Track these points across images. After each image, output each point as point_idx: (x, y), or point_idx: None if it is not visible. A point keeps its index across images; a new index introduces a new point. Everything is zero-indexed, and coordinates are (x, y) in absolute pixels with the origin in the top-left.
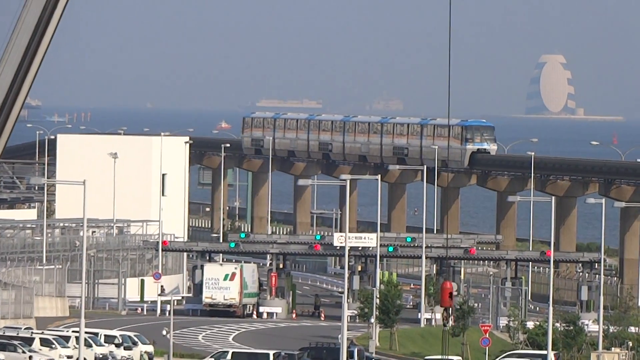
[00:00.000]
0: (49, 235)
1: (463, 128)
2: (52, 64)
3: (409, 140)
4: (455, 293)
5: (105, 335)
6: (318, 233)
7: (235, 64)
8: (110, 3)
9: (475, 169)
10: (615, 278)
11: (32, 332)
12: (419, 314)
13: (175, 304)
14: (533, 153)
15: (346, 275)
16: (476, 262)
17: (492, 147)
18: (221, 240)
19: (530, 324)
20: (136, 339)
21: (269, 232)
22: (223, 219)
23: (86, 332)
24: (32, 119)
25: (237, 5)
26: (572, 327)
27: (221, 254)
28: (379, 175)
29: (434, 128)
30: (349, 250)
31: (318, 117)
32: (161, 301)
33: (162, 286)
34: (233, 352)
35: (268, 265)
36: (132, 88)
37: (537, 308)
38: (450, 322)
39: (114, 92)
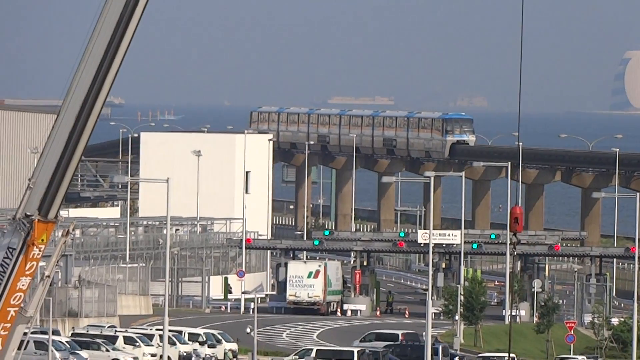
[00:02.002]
0: (133, 233)
1: (444, 121)
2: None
3: (397, 132)
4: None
5: (189, 333)
6: (402, 230)
7: (308, 61)
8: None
9: (560, 165)
10: None
11: (115, 331)
12: (504, 310)
13: (259, 301)
14: (617, 149)
15: (430, 272)
16: (561, 258)
17: (470, 139)
18: (305, 238)
19: (615, 321)
20: (220, 337)
21: (353, 230)
22: (307, 217)
23: (170, 330)
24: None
25: (307, 2)
26: None
27: (305, 252)
28: (463, 173)
29: (418, 121)
30: (433, 247)
31: (317, 112)
32: (245, 299)
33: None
34: (317, 350)
35: (352, 262)
36: (209, 86)
37: (622, 304)
38: (514, 251)
39: (192, 90)
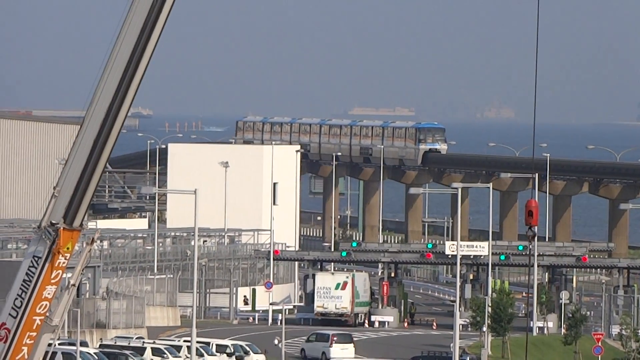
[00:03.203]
0: (160, 244)
1: (417, 130)
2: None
3: (373, 141)
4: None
5: (217, 345)
6: (430, 241)
7: (329, 72)
8: (211, 19)
9: (587, 176)
10: None
11: (143, 342)
12: (531, 322)
13: (287, 313)
14: None
15: (458, 283)
16: (588, 270)
17: (442, 147)
18: (333, 249)
19: None
20: (248, 349)
21: (381, 241)
22: (334, 228)
23: (198, 342)
24: (142, 127)
25: (330, 12)
26: None
27: (333, 263)
28: (491, 184)
29: (393, 130)
30: (460, 258)
31: (299, 121)
32: (273, 310)
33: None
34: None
35: (379, 274)
36: (234, 98)
37: None
38: (530, 244)
39: (217, 102)
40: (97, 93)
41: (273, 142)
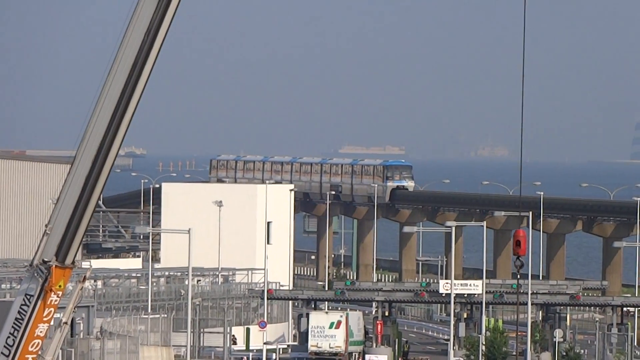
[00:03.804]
0: (154, 284)
1: (384, 167)
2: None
3: (342, 178)
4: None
5: None
6: (424, 280)
7: (318, 110)
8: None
9: (581, 214)
10: None
11: None
12: None
13: (281, 352)
14: (639, 199)
15: (452, 322)
16: (582, 308)
17: (409, 184)
18: (327, 288)
19: None
20: None
21: (375, 280)
22: (328, 267)
23: None
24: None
25: (321, 48)
26: None
27: (327, 302)
28: (485, 222)
29: (361, 168)
30: (454, 297)
31: (271, 159)
32: (267, 349)
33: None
34: None
35: (374, 312)
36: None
37: None
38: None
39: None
40: (88, 130)
41: (246, 180)
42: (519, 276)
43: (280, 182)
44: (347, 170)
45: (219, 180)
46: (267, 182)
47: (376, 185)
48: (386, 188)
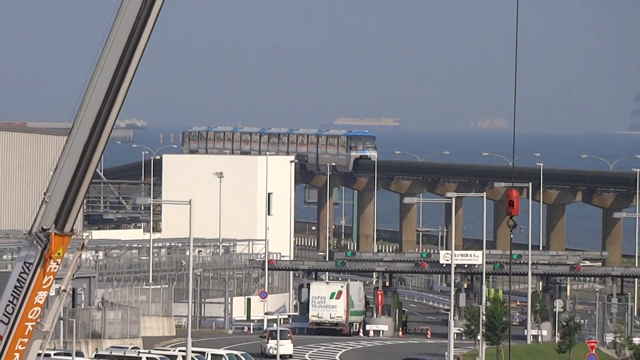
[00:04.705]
0: (155, 255)
1: (348, 138)
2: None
3: (308, 148)
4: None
5: (212, 355)
6: (424, 251)
7: (313, 82)
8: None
9: (581, 185)
10: None
11: (139, 352)
12: (525, 330)
13: (282, 322)
14: (638, 170)
15: (452, 292)
16: (582, 278)
17: (372, 154)
18: (327, 259)
19: (636, 340)
20: (243, 358)
21: (375, 250)
22: (329, 238)
23: (193, 352)
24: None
25: (316, 21)
26: None
27: (327, 273)
28: (485, 193)
29: (326, 138)
30: (455, 267)
31: (240, 130)
32: (268, 319)
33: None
34: None
35: (374, 283)
36: (228, 108)
37: None
38: (511, 235)
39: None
40: (86, 98)
41: (217, 150)
42: (511, 236)
43: (249, 152)
44: (312, 141)
45: (190, 152)
46: (267, 153)
47: (340, 155)
48: (349, 158)
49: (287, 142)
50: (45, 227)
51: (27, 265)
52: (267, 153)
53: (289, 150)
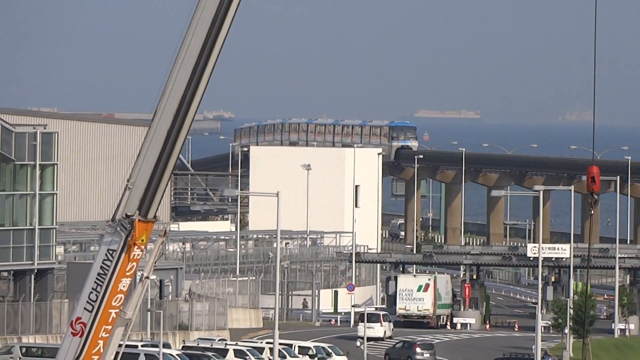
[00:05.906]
0: (243, 246)
1: (390, 128)
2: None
3: (353, 139)
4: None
5: (299, 347)
6: (512, 244)
7: (396, 73)
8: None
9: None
10: None
11: (226, 344)
12: (613, 324)
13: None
14: None
15: (539, 286)
16: None
17: (413, 144)
18: (415, 252)
19: None
20: (330, 350)
21: (463, 243)
22: (416, 230)
23: (280, 344)
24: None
25: (398, 19)
26: None
27: (415, 265)
28: (572, 187)
29: (370, 129)
30: (542, 261)
31: (289, 121)
32: (355, 312)
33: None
34: None
35: (461, 276)
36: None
37: None
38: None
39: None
40: (169, 83)
41: (266, 142)
42: (591, 212)
43: (297, 142)
44: (357, 131)
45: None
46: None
47: (382, 144)
48: (391, 147)
49: (333, 132)
50: (129, 214)
51: (111, 252)
52: (315, 141)
53: (334, 140)
